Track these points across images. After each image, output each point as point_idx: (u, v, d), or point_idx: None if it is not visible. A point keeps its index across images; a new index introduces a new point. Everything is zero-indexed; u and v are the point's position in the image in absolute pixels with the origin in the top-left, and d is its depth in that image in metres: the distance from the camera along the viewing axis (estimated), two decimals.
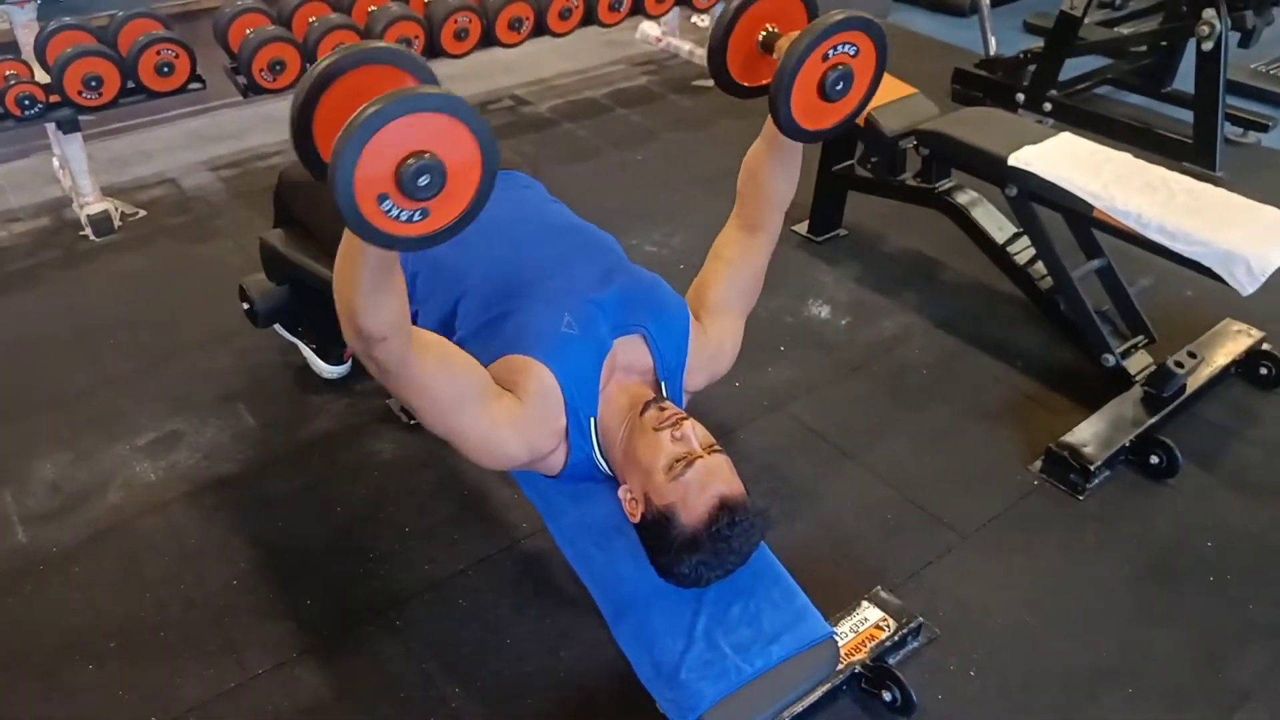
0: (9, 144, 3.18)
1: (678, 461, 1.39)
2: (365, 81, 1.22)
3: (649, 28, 4.58)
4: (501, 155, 1.90)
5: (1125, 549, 2.01)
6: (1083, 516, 2.09)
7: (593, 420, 1.50)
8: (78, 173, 2.85)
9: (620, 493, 1.48)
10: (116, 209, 2.96)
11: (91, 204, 2.90)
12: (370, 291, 1.22)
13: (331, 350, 2.33)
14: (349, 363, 2.38)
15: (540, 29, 3.44)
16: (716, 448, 1.44)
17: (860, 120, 2.67)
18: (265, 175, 3.24)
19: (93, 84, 2.60)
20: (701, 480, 1.38)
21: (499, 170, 1.77)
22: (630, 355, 1.54)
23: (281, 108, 3.68)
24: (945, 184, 2.72)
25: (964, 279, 2.86)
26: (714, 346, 1.65)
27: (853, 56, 1.40)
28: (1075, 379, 2.43)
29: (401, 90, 1.08)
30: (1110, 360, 2.36)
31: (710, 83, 4.39)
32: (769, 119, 1.49)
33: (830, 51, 1.38)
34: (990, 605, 1.88)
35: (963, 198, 2.68)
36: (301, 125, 1.24)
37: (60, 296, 2.72)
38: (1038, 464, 2.20)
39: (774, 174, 1.60)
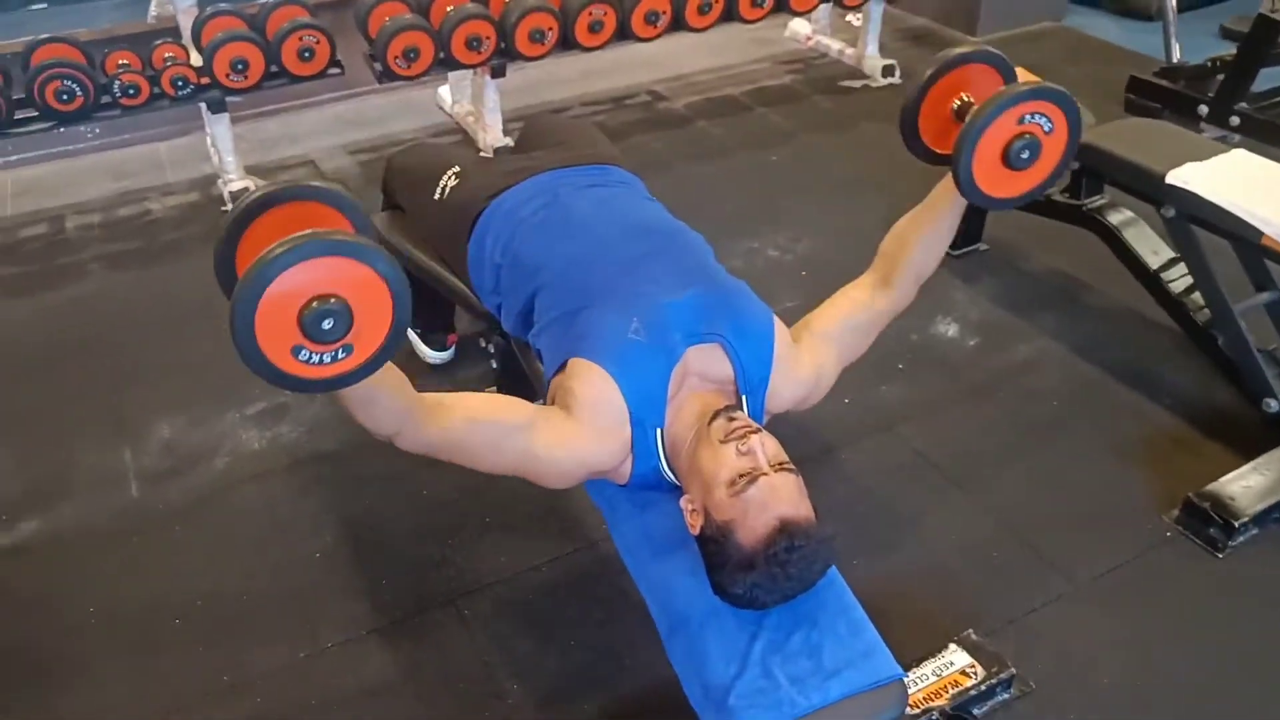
0: (172, 122, 3.43)
1: (741, 476, 1.35)
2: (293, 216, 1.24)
3: (799, 25, 4.50)
4: (594, 150, 1.94)
5: (1265, 618, 1.81)
6: (1219, 577, 1.90)
7: (659, 431, 1.47)
8: (224, 151, 3.06)
9: (682, 502, 1.45)
10: (255, 186, 3.15)
11: (234, 181, 3.11)
12: (360, 409, 1.30)
13: (435, 337, 2.40)
14: (452, 349, 2.45)
15: (678, 24, 3.43)
16: (786, 465, 1.38)
17: None
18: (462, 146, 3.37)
19: (239, 67, 2.78)
20: (763, 499, 1.33)
21: (586, 168, 1.82)
22: (706, 363, 1.51)
23: (422, 97, 3.84)
24: (1096, 201, 2.54)
25: (1111, 305, 2.66)
26: (809, 370, 1.59)
27: (1046, 132, 1.47)
28: (1228, 423, 2.22)
29: (256, 264, 1.08)
30: (1273, 406, 2.14)
31: (858, 83, 4.30)
32: (935, 189, 1.62)
33: (1026, 117, 1.45)
34: (1096, 662, 1.74)
35: (1115, 217, 2.50)
36: (224, 259, 1.27)
37: (200, 267, 2.88)
38: (1174, 513, 2.02)
39: (925, 245, 1.63)
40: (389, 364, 1.31)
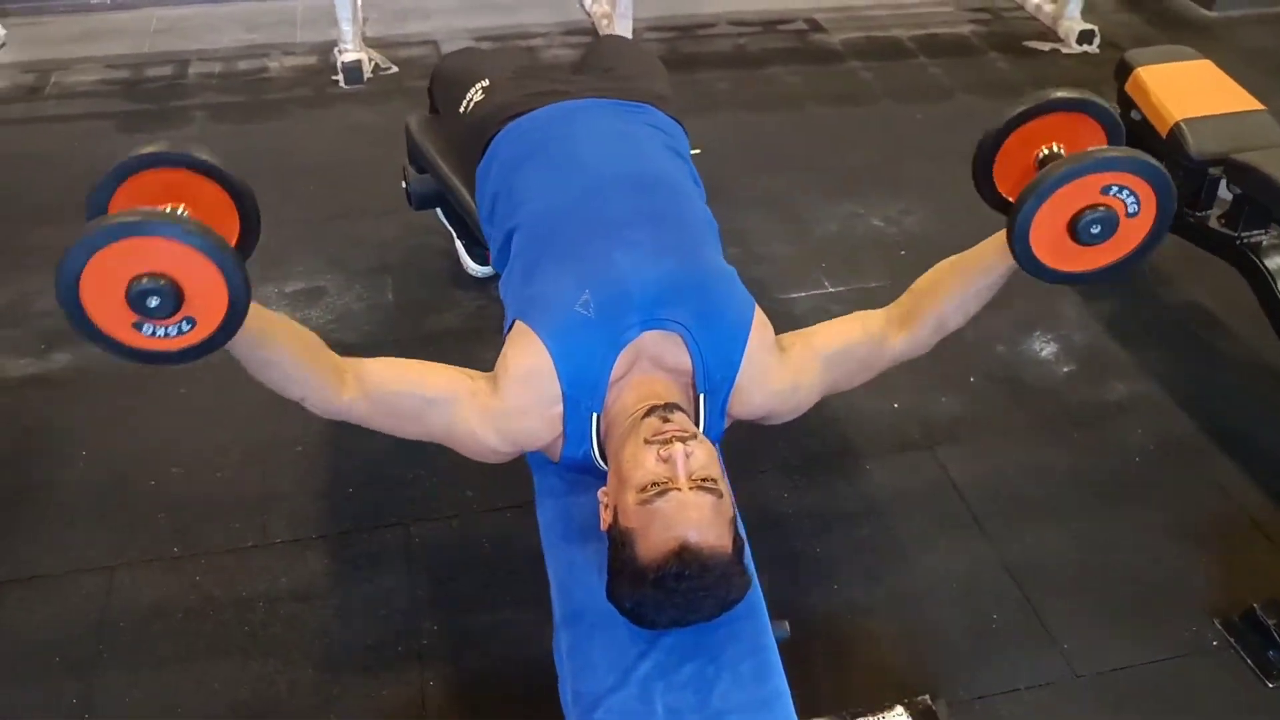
0: None
1: (653, 485, 1.21)
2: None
3: None
4: (638, 85, 1.76)
5: None
6: (1260, 710, 1.62)
7: (595, 416, 1.35)
8: (342, 19, 3.06)
9: (599, 493, 1.33)
10: (370, 61, 3.14)
11: (349, 52, 3.11)
12: (256, 371, 1.31)
13: (477, 250, 2.33)
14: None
15: None
16: (708, 484, 1.23)
17: (1162, 129, 2.19)
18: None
19: None
20: (669, 515, 1.20)
21: (618, 102, 1.66)
22: (662, 349, 1.36)
23: None
24: (1256, 236, 2.14)
25: (1238, 356, 2.29)
26: (785, 383, 1.41)
27: (1129, 213, 1.30)
28: None
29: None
30: None
31: (1046, 46, 3.84)
32: (987, 241, 1.45)
33: (1111, 189, 1.29)
34: None
35: (1273, 261, 2.10)
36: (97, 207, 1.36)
37: (292, 133, 2.97)
38: (1228, 620, 1.73)
39: (958, 299, 1.47)
40: (292, 328, 1.34)
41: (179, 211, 1.34)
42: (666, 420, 1.28)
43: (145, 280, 1.10)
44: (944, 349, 2.25)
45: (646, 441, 1.25)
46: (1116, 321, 2.40)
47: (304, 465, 1.97)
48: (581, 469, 1.42)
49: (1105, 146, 1.37)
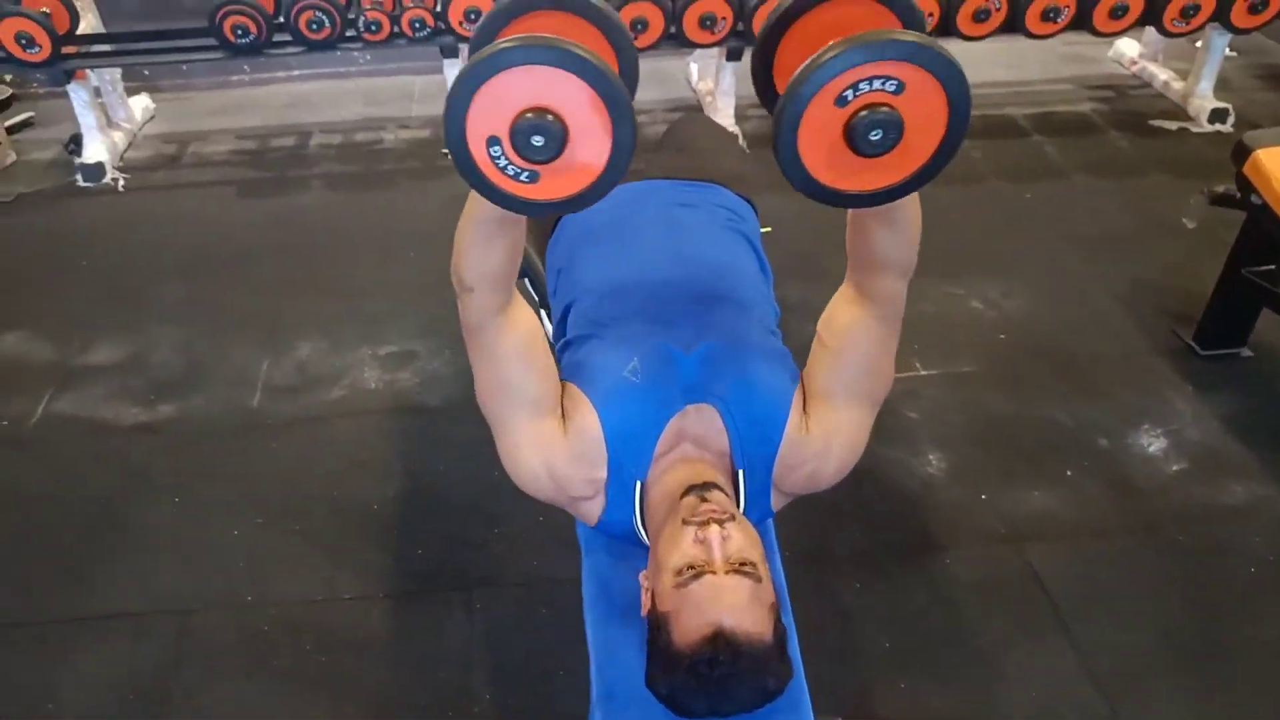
0: (433, 58, 3.68)
1: (689, 568, 1.20)
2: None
3: (1126, 46, 3.95)
4: (709, 165, 1.79)
5: None
6: None
7: (639, 484, 1.35)
8: None
9: (640, 577, 1.33)
10: None
11: None
12: (478, 240, 1.21)
13: None
14: None
15: (946, 28, 3.12)
16: (746, 568, 1.20)
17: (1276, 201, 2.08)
18: None
19: (473, 16, 2.89)
20: (702, 599, 1.18)
21: (688, 183, 1.69)
22: (702, 428, 1.35)
23: (674, 68, 3.81)
24: None
25: None
26: (817, 445, 1.38)
27: (893, 94, 1.00)
28: None
29: (570, 43, 0.99)
30: None
31: (1174, 125, 3.69)
32: None
33: (850, 92, 1.00)
34: None
35: None
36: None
37: (400, 202, 3.13)
38: None
39: (872, 227, 1.27)
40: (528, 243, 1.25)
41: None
42: (704, 500, 1.26)
43: (545, 119, 1.00)
44: (1038, 438, 2.20)
45: (685, 522, 1.24)
46: (1235, 419, 2.25)
47: (380, 522, 2.03)
48: (622, 538, 1.42)
49: (836, 44, 1.00)
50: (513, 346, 1.31)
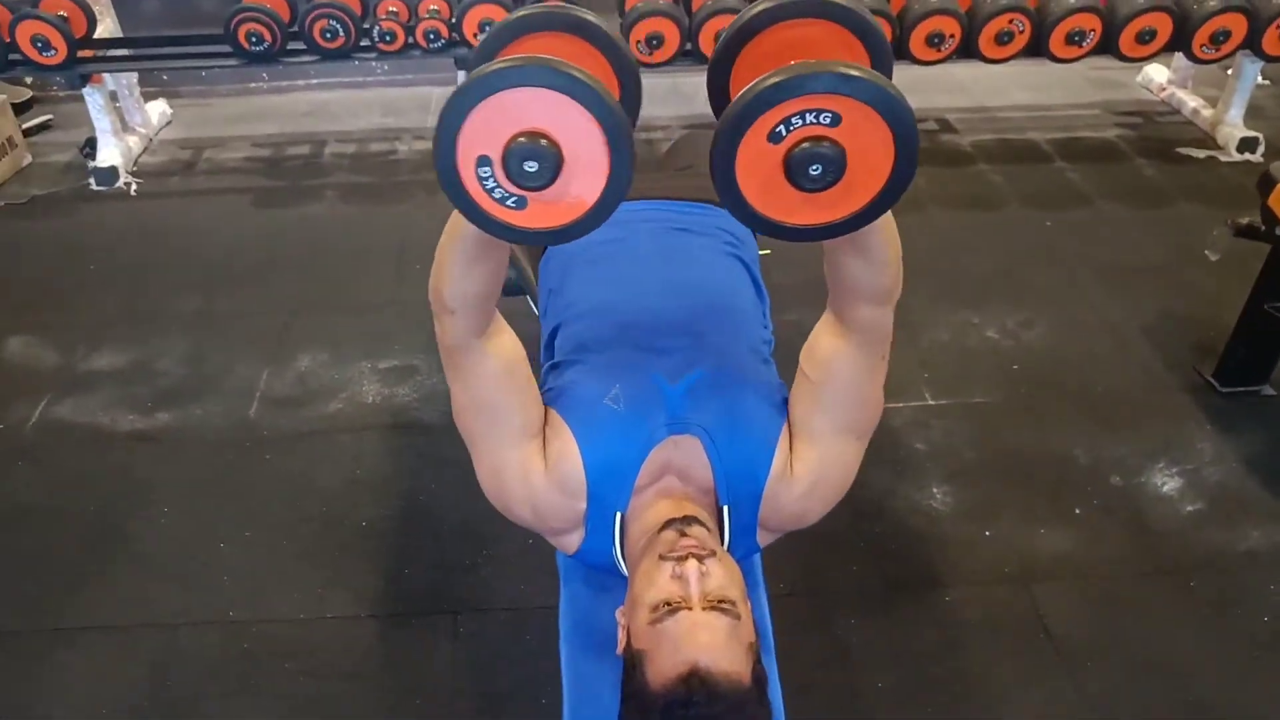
0: (450, 69, 3.68)
1: (665, 604, 1.16)
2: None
3: (1154, 72, 3.89)
4: (706, 185, 1.75)
5: None
6: None
7: (619, 516, 1.32)
8: None
9: (617, 613, 1.29)
10: None
11: None
12: (460, 261, 1.18)
13: None
14: None
15: (967, 50, 3.08)
16: (724, 605, 1.16)
17: None
18: (641, 149, 3.37)
19: (487, 28, 2.89)
20: (678, 637, 1.14)
21: (685, 204, 1.66)
22: (686, 460, 1.31)
23: (678, 83, 3.79)
24: None
25: None
26: (803, 486, 1.33)
27: (829, 126, 0.96)
28: None
29: (575, 68, 0.95)
30: None
31: (1202, 153, 3.61)
32: None
33: (782, 127, 0.96)
34: None
35: None
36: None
37: (413, 215, 3.13)
38: None
39: (843, 255, 1.20)
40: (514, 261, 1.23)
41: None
42: (683, 535, 1.22)
43: (540, 144, 0.96)
44: (1048, 474, 2.14)
45: (661, 557, 1.20)
46: (1256, 460, 2.19)
47: (370, 541, 2.01)
48: (601, 569, 1.38)
49: (776, 72, 0.95)
50: (493, 370, 1.28)
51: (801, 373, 1.32)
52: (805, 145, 0.96)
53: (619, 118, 0.96)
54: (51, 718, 1.70)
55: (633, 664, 1.18)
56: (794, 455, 1.32)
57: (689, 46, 2.96)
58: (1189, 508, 2.09)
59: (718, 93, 1.22)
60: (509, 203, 1.02)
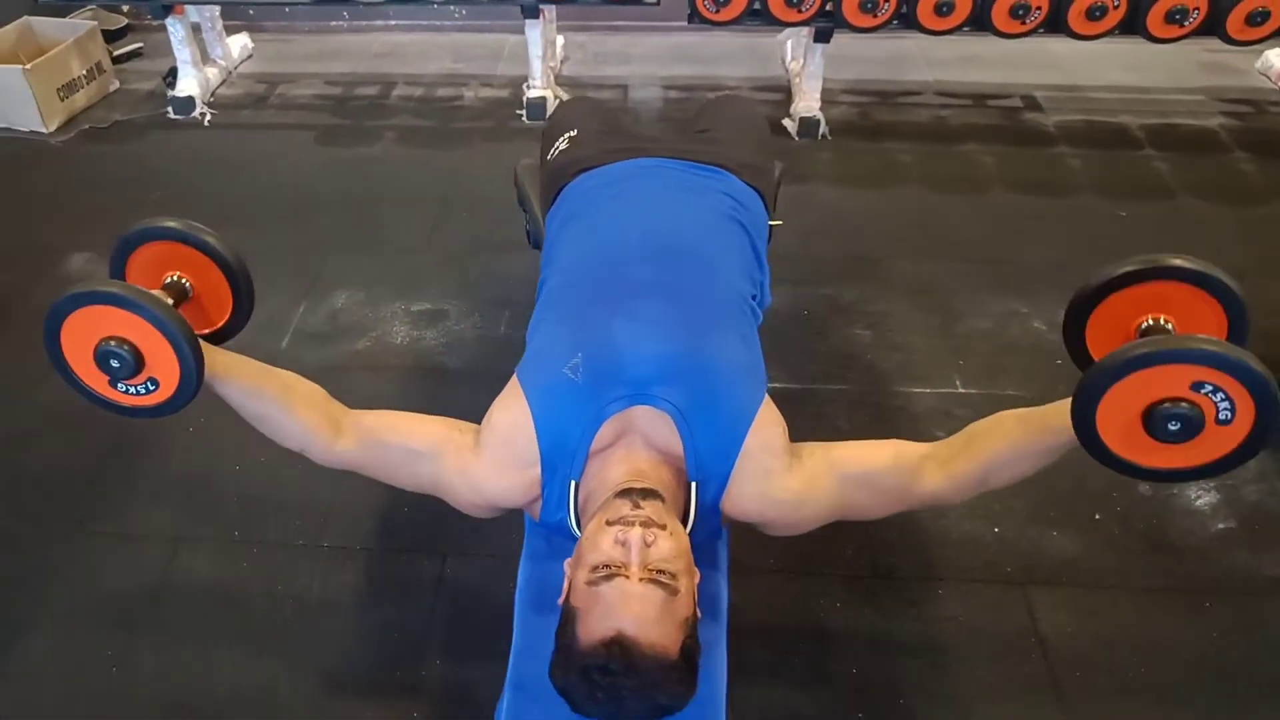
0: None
1: (603, 567, 1.18)
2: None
3: (1276, 57, 3.62)
4: (719, 150, 1.74)
5: None
6: None
7: (573, 484, 1.33)
8: (533, 55, 3.24)
9: (565, 564, 1.31)
10: (555, 98, 3.30)
11: (536, 88, 3.28)
12: (257, 424, 1.46)
13: None
14: None
15: (1055, 24, 2.94)
16: (662, 579, 1.17)
17: None
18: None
19: None
20: (610, 602, 1.16)
21: (691, 165, 1.64)
22: (654, 428, 1.32)
23: (770, 44, 3.71)
24: None
25: None
26: (790, 494, 1.32)
27: (1219, 420, 1.15)
28: None
29: (131, 288, 1.30)
30: None
31: None
32: (1060, 404, 1.29)
33: (1202, 385, 1.14)
34: None
35: None
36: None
37: (468, 162, 3.17)
38: None
39: (1014, 455, 1.35)
40: (296, 381, 1.47)
41: (174, 279, 1.50)
42: (637, 506, 1.24)
43: (113, 343, 1.28)
44: (1067, 473, 2.06)
45: (608, 523, 1.22)
46: None
47: (373, 481, 2.07)
48: (563, 534, 1.41)
49: (1211, 337, 1.20)
50: (378, 449, 1.46)
51: (892, 446, 1.40)
52: (1180, 405, 1.14)
53: (168, 321, 1.27)
54: (54, 609, 1.84)
55: (566, 618, 1.22)
56: (806, 466, 1.35)
57: (757, 6, 2.89)
58: (1219, 525, 1.99)
59: (1074, 334, 1.43)
60: (151, 387, 1.34)
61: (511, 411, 1.34)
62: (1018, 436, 1.33)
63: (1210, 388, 1.13)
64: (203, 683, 1.71)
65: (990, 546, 1.95)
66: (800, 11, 2.92)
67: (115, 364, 1.29)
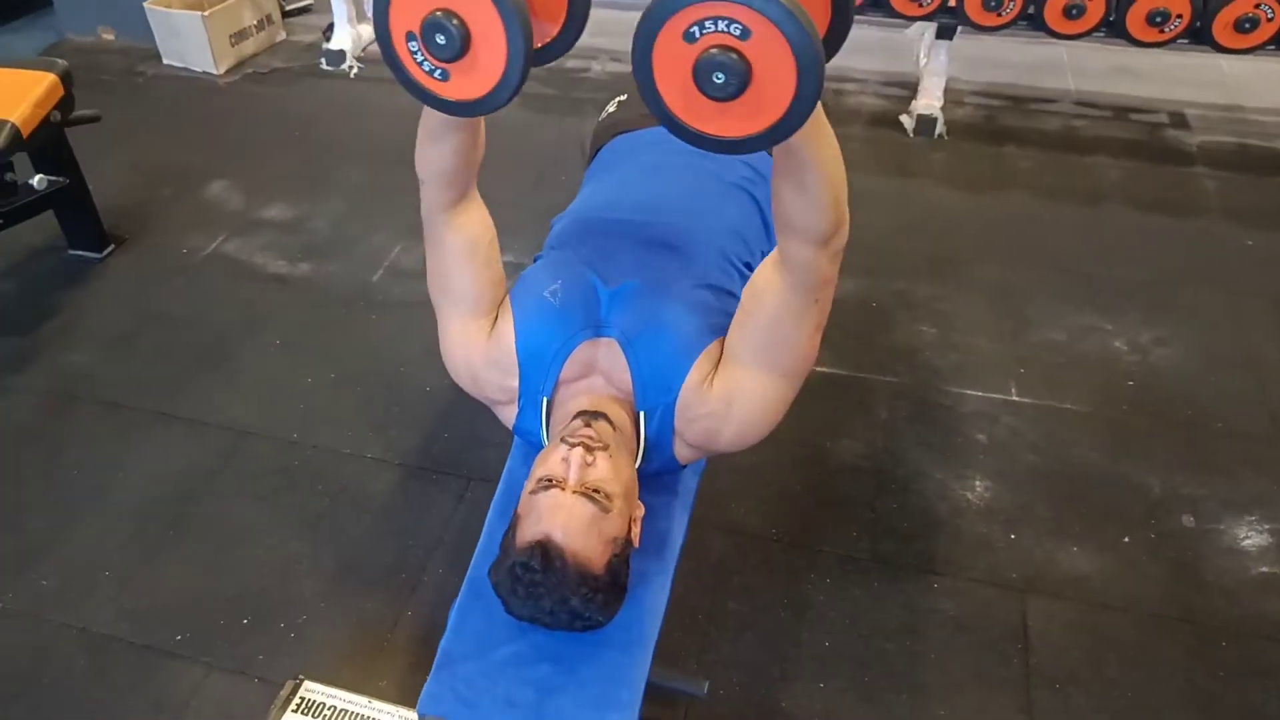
0: None
1: (545, 479, 1.32)
2: None
3: None
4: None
5: None
6: None
7: (545, 401, 1.47)
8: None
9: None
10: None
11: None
12: (427, 138, 1.39)
13: None
14: None
15: (1198, 35, 2.82)
16: (594, 494, 1.29)
17: None
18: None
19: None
20: (542, 510, 1.29)
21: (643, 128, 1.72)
22: (610, 363, 1.44)
23: (888, 38, 3.69)
24: None
25: None
26: (716, 404, 1.41)
27: (739, 39, 1.02)
28: None
29: None
30: None
31: None
32: None
33: (696, 28, 1.02)
34: None
35: None
36: None
37: (575, 130, 3.28)
38: None
39: (781, 188, 1.25)
40: (480, 132, 1.43)
41: None
42: (587, 425, 1.36)
43: (451, 20, 1.12)
44: (1107, 496, 2.03)
45: (561, 440, 1.36)
46: None
47: (424, 406, 2.28)
48: (533, 445, 1.54)
49: None
50: (455, 244, 1.47)
51: (740, 303, 1.41)
52: (712, 51, 1.04)
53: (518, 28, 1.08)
54: (126, 478, 2.12)
55: (511, 523, 1.36)
56: (717, 375, 1.42)
57: None
58: (1261, 569, 1.91)
59: None
60: (436, 75, 1.18)
61: (505, 319, 1.49)
62: (774, 171, 1.25)
63: (708, 24, 1.02)
64: (233, 556, 1.95)
65: (1000, 551, 1.95)
66: (920, 6, 2.93)
67: (440, 40, 1.13)
